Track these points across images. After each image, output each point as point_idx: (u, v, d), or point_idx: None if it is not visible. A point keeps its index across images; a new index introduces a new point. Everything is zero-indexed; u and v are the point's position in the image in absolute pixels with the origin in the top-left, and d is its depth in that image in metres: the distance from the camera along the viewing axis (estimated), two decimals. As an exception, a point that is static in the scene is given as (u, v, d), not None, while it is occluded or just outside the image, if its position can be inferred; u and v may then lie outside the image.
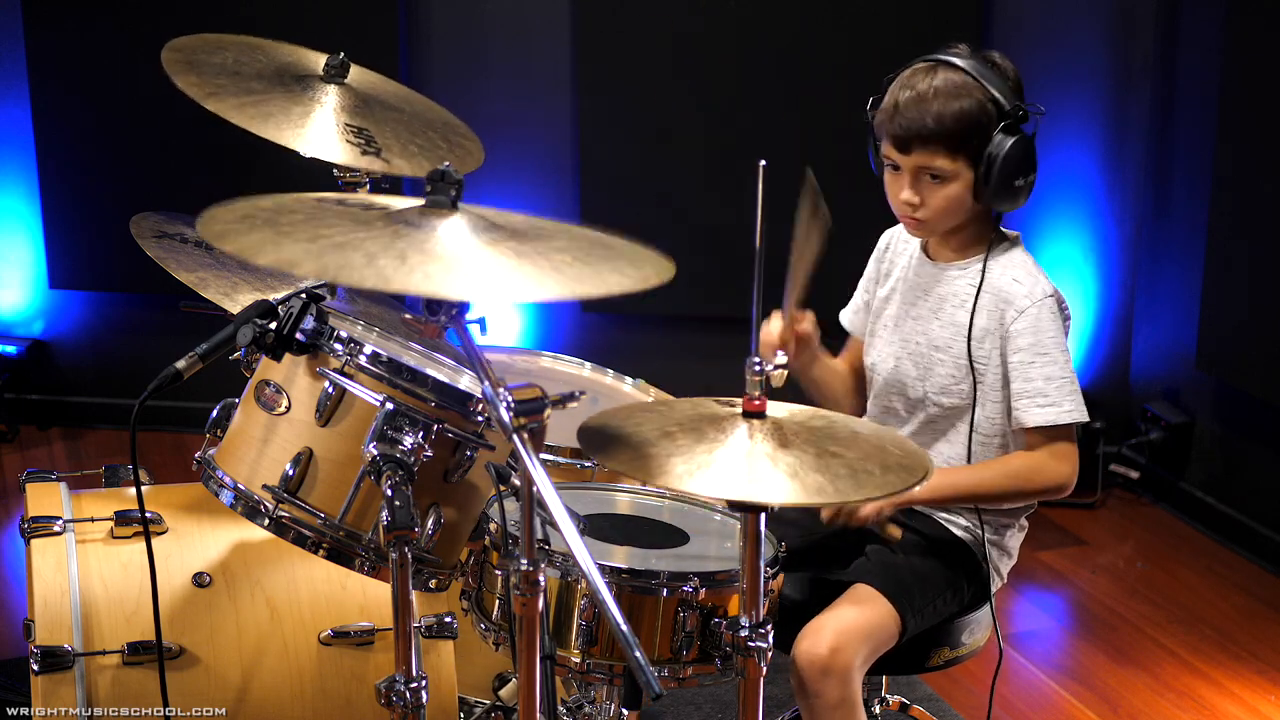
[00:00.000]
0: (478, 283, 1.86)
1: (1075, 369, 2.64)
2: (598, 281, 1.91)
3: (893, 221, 2.86)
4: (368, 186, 3.11)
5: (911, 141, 2.55)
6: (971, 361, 2.62)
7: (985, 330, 2.62)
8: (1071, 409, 2.58)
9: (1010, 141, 2.53)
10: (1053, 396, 2.57)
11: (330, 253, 1.84)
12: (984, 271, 2.63)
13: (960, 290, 2.68)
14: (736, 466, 1.97)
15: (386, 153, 2.89)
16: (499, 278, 1.87)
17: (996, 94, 2.54)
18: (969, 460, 2.66)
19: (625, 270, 1.94)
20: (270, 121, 2.84)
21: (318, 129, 2.87)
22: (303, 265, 1.81)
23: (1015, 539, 2.77)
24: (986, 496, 2.64)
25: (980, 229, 2.68)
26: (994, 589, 2.75)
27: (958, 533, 2.72)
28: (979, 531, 2.72)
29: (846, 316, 2.91)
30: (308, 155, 2.85)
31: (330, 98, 2.96)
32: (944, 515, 2.73)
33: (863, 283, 2.89)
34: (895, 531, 2.66)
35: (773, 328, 2.65)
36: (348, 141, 2.87)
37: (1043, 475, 2.60)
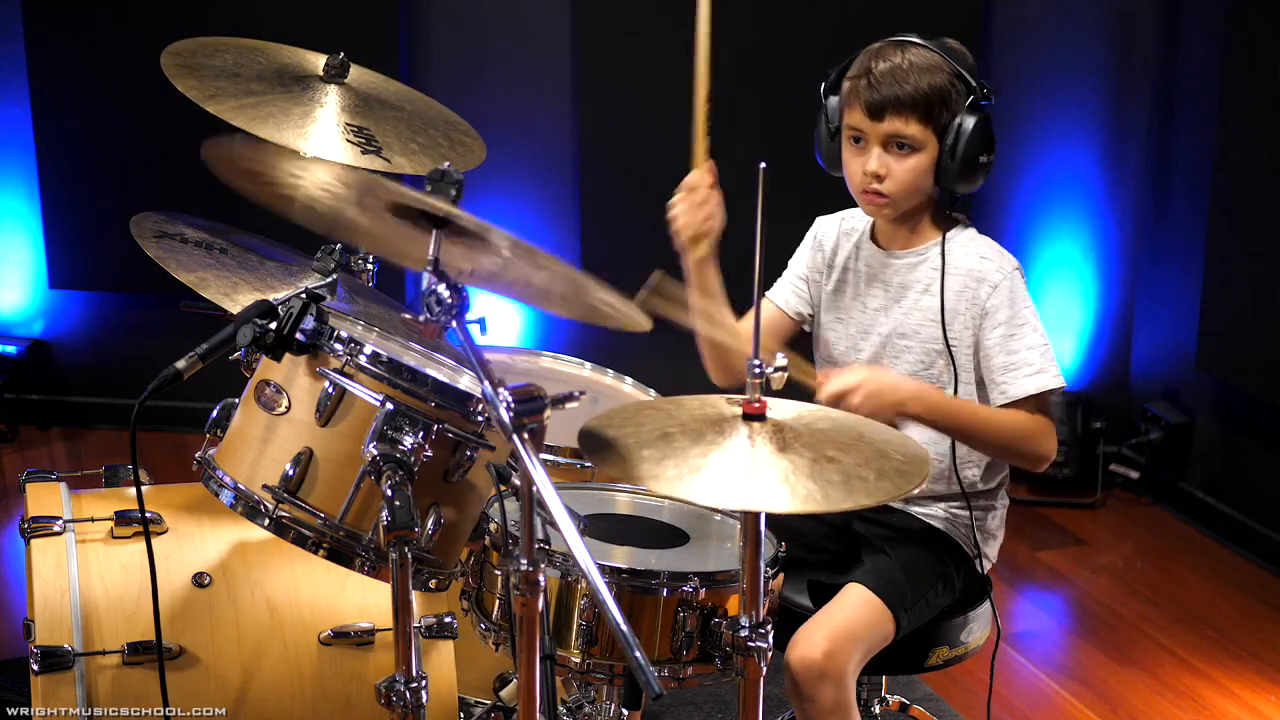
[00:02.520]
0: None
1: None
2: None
3: (828, 210, 2.83)
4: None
5: (886, 108, 2.58)
6: (948, 344, 2.63)
7: (955, 311, 2.63)
8: (1055, 373, 2.59)
9: (975, 118, 2.58)
10: (1038, 364, 2.58)
11: None
12: (944, 254, 2.64)
13: (922, 276, 2.68)
14: (727, 471, 1.96)
15: (387, 151, 2.90)
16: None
17: (964, 72, 2.59)
18: (953, 442, 2.66)
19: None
20: (270, 122, 2.84)
21: (318, 129, 2.88)
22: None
23: (997, 519, 2.77)
24: (979, 439, 2.61)
25: (931, 216, 2.70)
26: (984, 571, 2.74)
27: (937, 524, 2.72)
28: (959, 519, 2.71)
29: (779, 290, 2.84)
30: (309, 155, 2.86)
31: (330, 98, 2.96)
32: (921, 510, 2.73)
33: (795, 265, 2.85)
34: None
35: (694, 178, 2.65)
36: (348, 141, 2.88)
37: (1038, 442, 2.58)
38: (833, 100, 2.70)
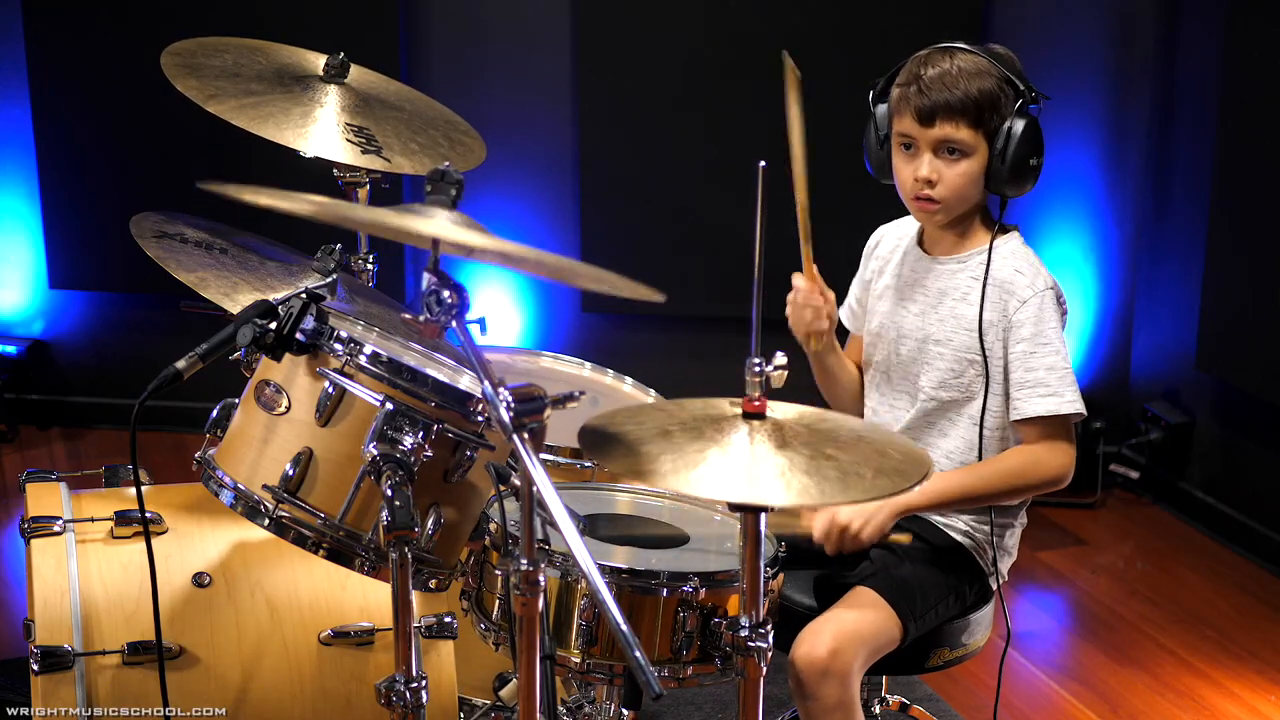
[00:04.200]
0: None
1: (1075, 369, 2.65)
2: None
3: (884, 220, 2.86)
4: (368, 185, 3.11)
5: (937, 113, 2.58)
6: (985, 353, 2.63)
7: (989, 322, 2.63)
8: (1072, 399, 2.59)
9: (1025, 122, 2.59)
10: (1054, 386, 2.58)
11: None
12: (989, 263, 2.64)
13: (961, 284, 2.68)
14: (723, 466, 1.97)
15: (387, 151, 2.90)
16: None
17: (1012, 76, 2.60)
18: (980, 453, 2.66)
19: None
20: (270, 122, 2.84)
21: (318, 129, 2.88)
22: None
23: (1015, 537, 2.78)
24: (986, 497, 2.64)
25: (980, 222, 2.71)
26: (996, 587, 2.75)
27: (957, 537, 2.72)
28: (979, 535, 2.71)
29: (844, 314, 2.90)
30: (309, 155, 2.86)
31: (331, 98, 2.97)
32: (942, 520, 2.73)
33: (857, 281, 2.90)
34: (904, 537, 2.65)
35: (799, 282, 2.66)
36: (348, 140, 2.88)
37: (1040, 469, 2.60)
38: (881, 108, 2.71)
